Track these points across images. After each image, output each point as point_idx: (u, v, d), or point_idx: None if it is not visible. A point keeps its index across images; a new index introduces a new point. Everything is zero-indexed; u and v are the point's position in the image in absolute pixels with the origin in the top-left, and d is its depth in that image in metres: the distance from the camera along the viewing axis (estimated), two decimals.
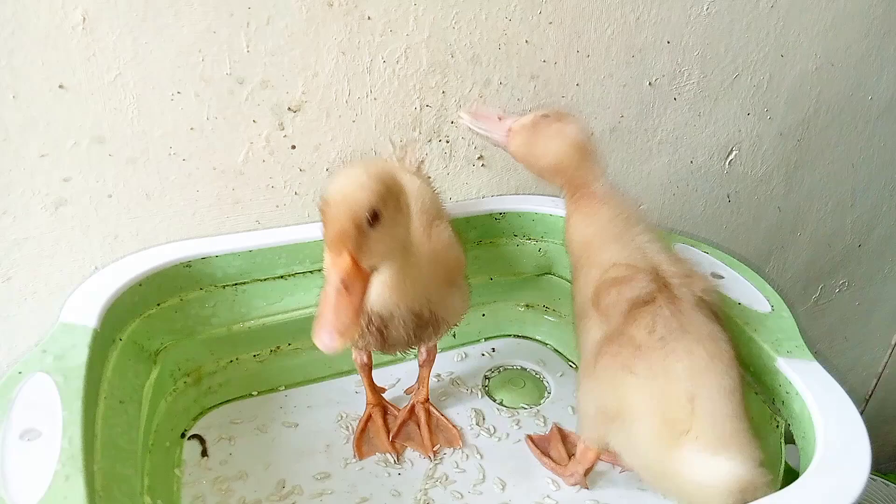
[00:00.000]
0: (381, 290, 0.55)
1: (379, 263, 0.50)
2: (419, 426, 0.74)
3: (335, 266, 0.46)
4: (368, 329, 0.59)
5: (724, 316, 0.62)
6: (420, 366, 0.76)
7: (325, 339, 0.45)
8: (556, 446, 0.72)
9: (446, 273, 0.63)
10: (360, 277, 0.47)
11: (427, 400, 0.76)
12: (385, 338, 0.60)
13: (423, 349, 0.74)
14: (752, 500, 0.47)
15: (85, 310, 0.60)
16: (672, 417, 0.53)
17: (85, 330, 0.57)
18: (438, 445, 0.73)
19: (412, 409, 0.76)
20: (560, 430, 0.74)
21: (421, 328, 0.61)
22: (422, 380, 0.76)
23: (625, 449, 0.59)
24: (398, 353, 0.68)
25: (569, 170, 0.67)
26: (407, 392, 0.80)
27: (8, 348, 0.76)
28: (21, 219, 0.71)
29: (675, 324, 0.56)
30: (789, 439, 0.59)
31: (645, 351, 0.55)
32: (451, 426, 0.75)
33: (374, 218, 0.47)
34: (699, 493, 0.52)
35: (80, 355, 0.54)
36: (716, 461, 0.51)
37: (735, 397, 0.53)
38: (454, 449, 0.73)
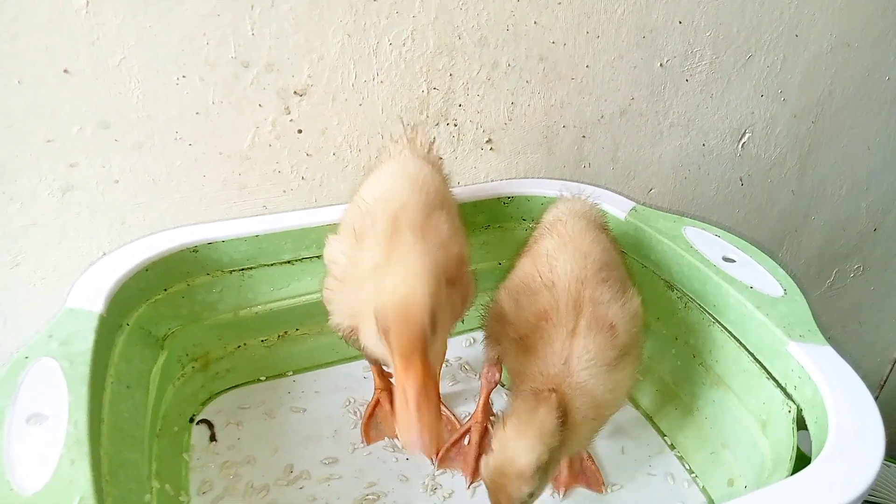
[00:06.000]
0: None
1: (441, 360, 0.52)
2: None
3: (412, 377, 0.47)
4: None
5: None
6: None
7: (420, 445, 0.47)
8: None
9: (445, 269, 0.59)
10: (433, 380, 0.48)
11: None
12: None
13: None
14: None
15: (91, 295, 0.59)
16: None
17: (91, 315, 0.57)
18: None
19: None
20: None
21: None
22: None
23: None
24: None
25: None
26: None
27: (17, 334, 0.76)
28: (28, 205, 0.71)
29: None
30: (801, 425, 0.58)
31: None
32: (456, 426, 0.74)
33: (434, 323, 0.48)
34: None
35: (86, 340, 0.54)
36: None
37: None
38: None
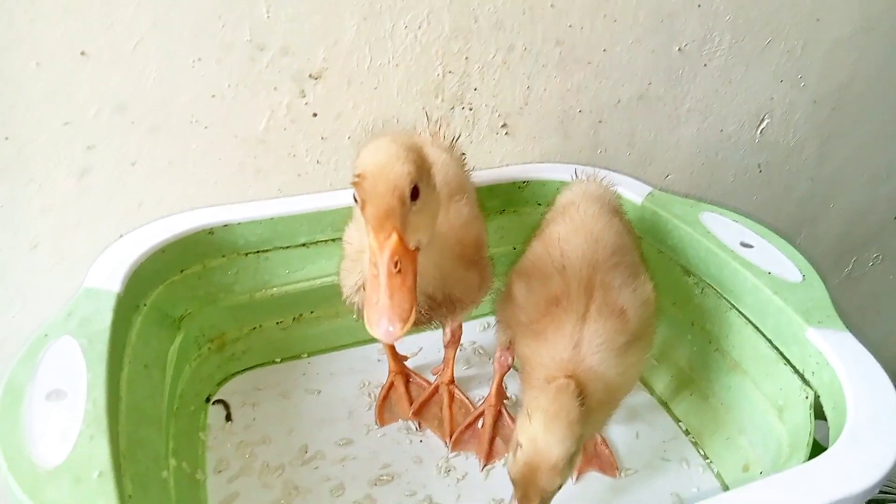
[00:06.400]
0: None
1: (421, 240, 0.46)
2: (441, 409, 0.74)
3: (384, 247, 0.42)
4: None
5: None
6: (445, 346, 0.75)
7: (385, 327, 0.41)
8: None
9: (462, 251, 0.60)
10: (409, 256, 0.43)
11: (452, 382, 0.76)
12: None
13: (447, 329, 0.74)
14: None
15: (109, 275, 0.60)
16: None
17: (109, 294, 0.58)
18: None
19: (436, 390, 0.75)
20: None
21: (433, 309, 0.57)
22: (447, 361, 0.76)
23: None
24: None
25: None
26: (433, 372, 0.80)
27: (35, 315, 0.77)
28: (46, 187, 0.71)
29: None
30: (819, 412, 0.58)
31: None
32: (470, 409, 0.74)
33: (415, 192, 0.44)
34: None
35: (104, 319, 0.55)
36: None
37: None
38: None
